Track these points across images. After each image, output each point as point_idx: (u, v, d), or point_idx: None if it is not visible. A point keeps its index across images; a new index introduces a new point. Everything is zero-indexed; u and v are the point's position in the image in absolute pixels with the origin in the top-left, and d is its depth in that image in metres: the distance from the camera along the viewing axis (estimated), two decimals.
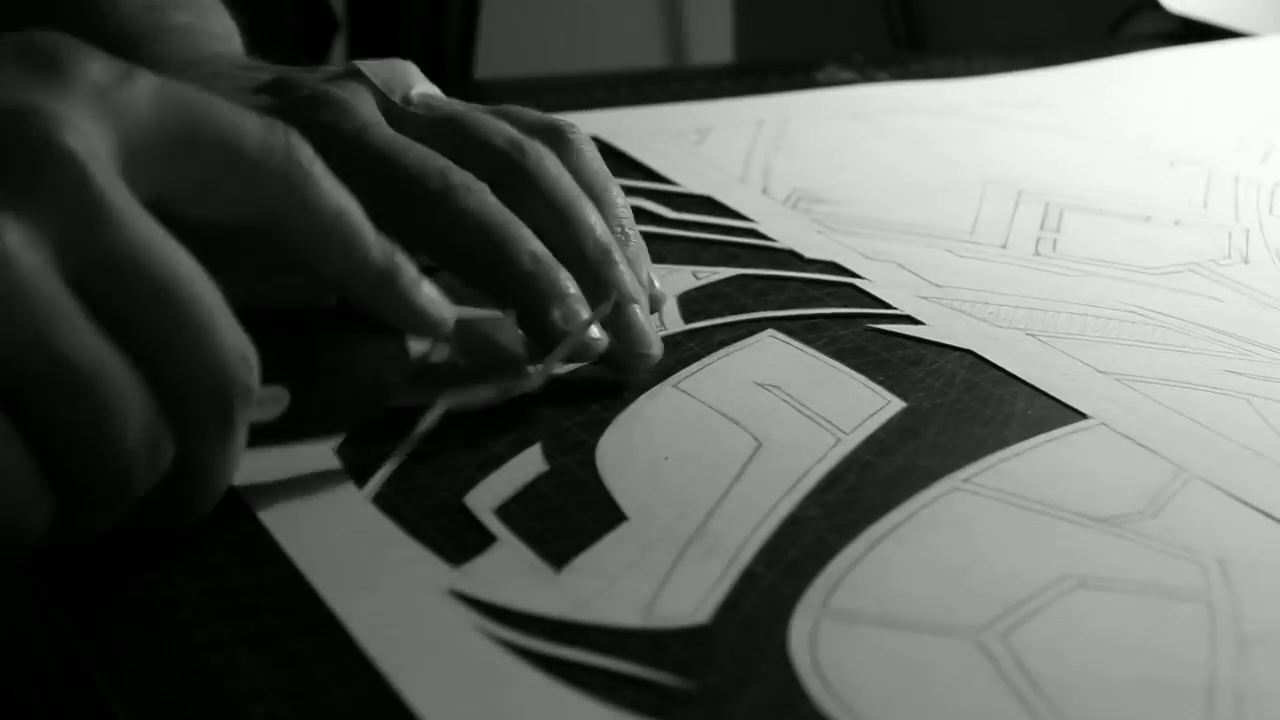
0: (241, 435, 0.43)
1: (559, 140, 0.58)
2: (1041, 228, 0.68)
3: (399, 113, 0.57)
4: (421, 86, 0.58)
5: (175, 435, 0.41)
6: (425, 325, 0.49)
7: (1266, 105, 0.84)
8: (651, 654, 0.40)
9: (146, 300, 0.40)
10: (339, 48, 1.08)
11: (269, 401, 0.45)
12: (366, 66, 0.58)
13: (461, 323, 0.50)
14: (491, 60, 1.10)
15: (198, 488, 0.43)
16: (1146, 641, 0.41)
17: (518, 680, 0.39)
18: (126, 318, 0.40)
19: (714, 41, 1.24)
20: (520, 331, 0.51)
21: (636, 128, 0.78)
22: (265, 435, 0.46)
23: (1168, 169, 0.75)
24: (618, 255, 0.55)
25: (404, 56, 0.60)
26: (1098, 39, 1.07)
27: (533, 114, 0.59)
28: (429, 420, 0.49)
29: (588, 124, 0.78)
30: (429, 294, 0.48)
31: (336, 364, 0.52)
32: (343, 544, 0.45)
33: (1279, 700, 0.39)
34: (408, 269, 0.48)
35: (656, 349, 0.54)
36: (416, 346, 0.51)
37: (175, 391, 0.41)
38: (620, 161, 0.74)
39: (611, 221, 0.56)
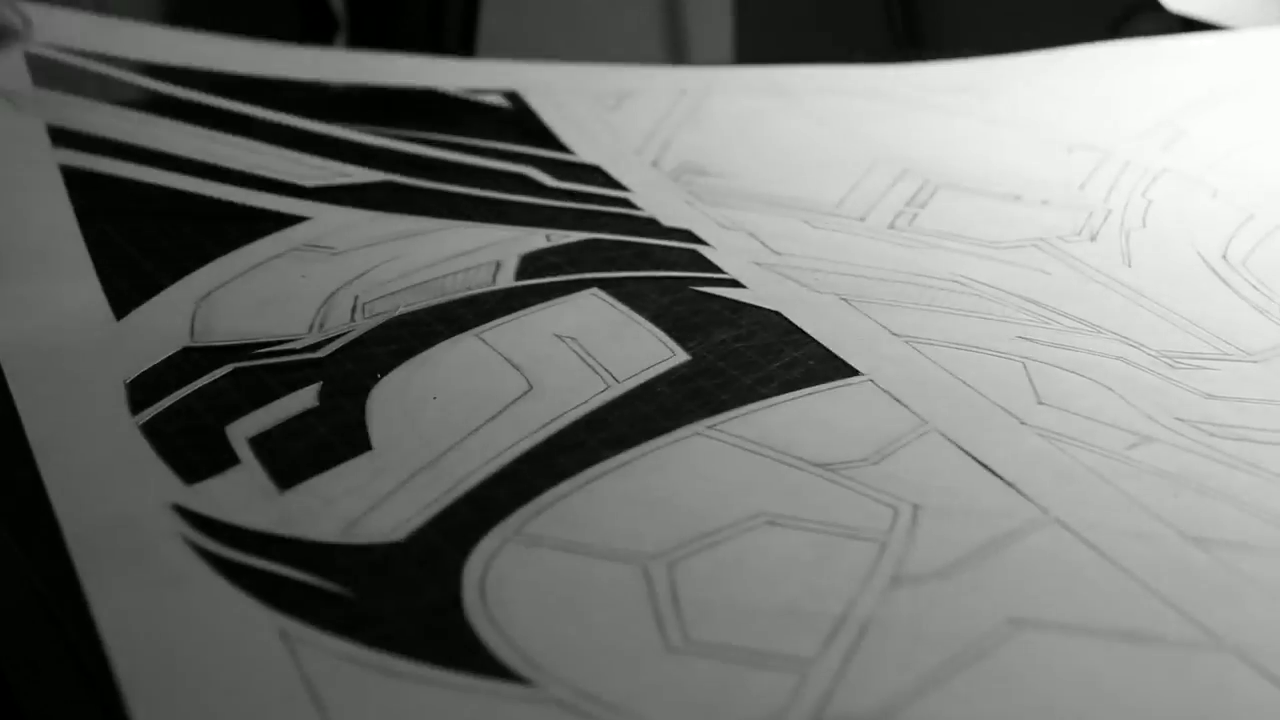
0: None
1: None
2: (908, 204, 0.69)
3: None
4: None
5: None
6: None
7: (1191, 94, 0.84)
8: (326, 564, 0.43)
9: None
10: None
11: None
12: None
13: None
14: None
15: None
16: (805, 575, 0.43)
17: (198, 582, 0.42)
18: None
19: (714, 41, 1.25)
20: None
21: (559, 84, 0.80)
22: None
23: (1064, 154, 0.76)
24: None
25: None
26: (1098, 39, 1.07)
27: None
28: None
29: (514, 75, 0.81)
30: None
31: None
32: (95, 463, 0.48)
33: (900, 639, 0.41)
34: None
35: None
36: None
37: None
38: (524, 126, 0.76)
39: None
